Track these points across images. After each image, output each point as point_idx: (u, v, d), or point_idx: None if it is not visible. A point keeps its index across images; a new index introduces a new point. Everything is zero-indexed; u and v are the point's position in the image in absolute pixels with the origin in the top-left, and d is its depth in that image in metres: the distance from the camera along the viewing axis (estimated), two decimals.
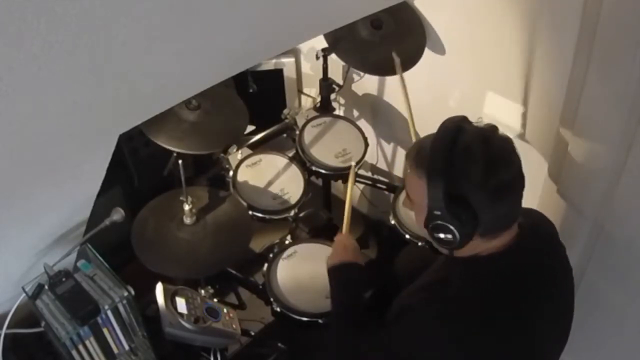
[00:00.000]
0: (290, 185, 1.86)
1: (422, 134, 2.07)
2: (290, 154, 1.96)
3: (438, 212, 1.01)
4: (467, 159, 0.99)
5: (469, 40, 1.70)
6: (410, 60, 1.83)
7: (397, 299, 1.18)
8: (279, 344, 1.74)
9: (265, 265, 1.66)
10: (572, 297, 1.18)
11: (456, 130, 1.02)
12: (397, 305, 1.16)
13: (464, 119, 1.07)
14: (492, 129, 1.05)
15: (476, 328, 1.04)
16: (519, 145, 1.05)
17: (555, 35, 1.42)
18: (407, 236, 1.72)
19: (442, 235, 1.04)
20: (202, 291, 1.64)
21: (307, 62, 2.33)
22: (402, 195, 1.85)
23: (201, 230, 1.59)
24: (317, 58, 1.96)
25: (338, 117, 2.08)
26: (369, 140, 2.00)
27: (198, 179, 2.06)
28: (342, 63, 2.05)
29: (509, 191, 1.03)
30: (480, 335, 1.04)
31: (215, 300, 1.57)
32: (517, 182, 1.04)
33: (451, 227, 1.01)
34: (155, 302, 1.39)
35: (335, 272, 1.35)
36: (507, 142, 1.04)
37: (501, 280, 1.08)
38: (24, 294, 1.25)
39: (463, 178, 0.99)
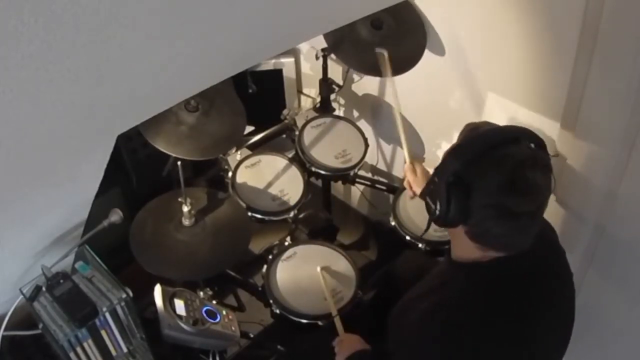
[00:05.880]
0: (289, 186, 1.85)
1: (422, 134, 2.10)
2: (290, 155, 1.96)
3: (436, 179, 1.03)
4: (498, 165, 0.97)
5: (470, 40, 1.69)
6: (410, 60, 1.82)
7: (399, 304, 1.18)
8: (278, 346, 1.74)
9: (265, 266, 1.66)
10: (573, 303, 1.18)
11: (514, 136, 1.01)
12: (398, 309, 1.16)
13: (532, 136, 1.04)
14: (545, 163, 1.01)
15: (476, 333, 1.04)
16: None
17: (557, 36, 1.41)
18: (408, 237, 1.71)
19: (429, 200, 1.06)
20: (201, 293, 1.64)
21: (307, 62, 2.32)
22: (403, 196, 1.86)
23: (200, 231, 1.58)
24: (317, 58, 1.96)
25: (338, 117, 2.08)
26: (369, 141, 2.00)
27: (197, 179, 2.05)
28: (341, 63, 2.05)
29: (511, 220, 0.99)
30: (480, 342, 1.04)
31: (214, 302, 1.57)
32: (525, 220, 1.00)
33: (439, 201, 1.02)
34: (154, 304, 1.39)
35: None
36: (546, 184, 1.00)
37: (502, 286, 1.07)
38: (21, 296, 1.24)
39: (481, 175, 0.99)
